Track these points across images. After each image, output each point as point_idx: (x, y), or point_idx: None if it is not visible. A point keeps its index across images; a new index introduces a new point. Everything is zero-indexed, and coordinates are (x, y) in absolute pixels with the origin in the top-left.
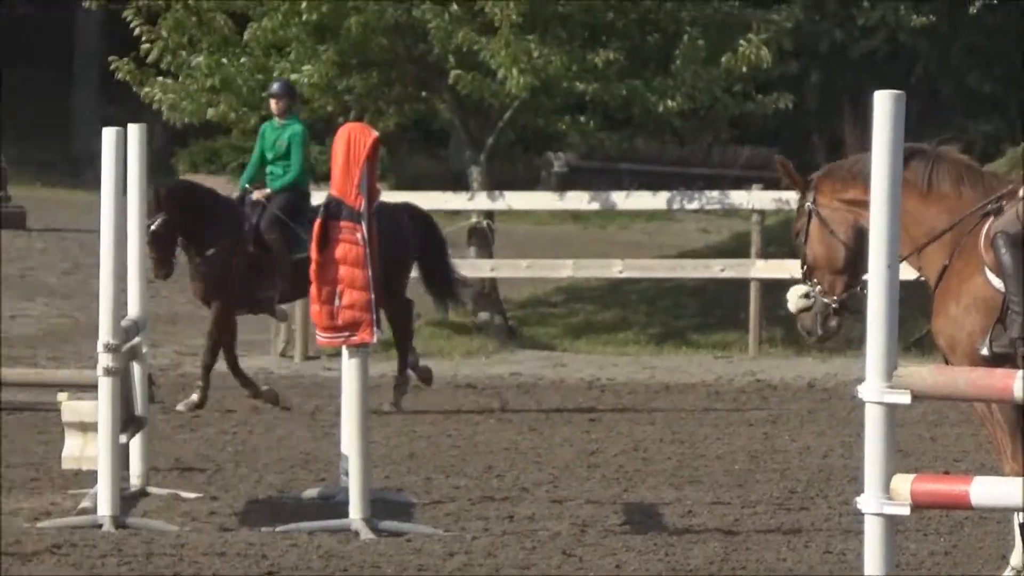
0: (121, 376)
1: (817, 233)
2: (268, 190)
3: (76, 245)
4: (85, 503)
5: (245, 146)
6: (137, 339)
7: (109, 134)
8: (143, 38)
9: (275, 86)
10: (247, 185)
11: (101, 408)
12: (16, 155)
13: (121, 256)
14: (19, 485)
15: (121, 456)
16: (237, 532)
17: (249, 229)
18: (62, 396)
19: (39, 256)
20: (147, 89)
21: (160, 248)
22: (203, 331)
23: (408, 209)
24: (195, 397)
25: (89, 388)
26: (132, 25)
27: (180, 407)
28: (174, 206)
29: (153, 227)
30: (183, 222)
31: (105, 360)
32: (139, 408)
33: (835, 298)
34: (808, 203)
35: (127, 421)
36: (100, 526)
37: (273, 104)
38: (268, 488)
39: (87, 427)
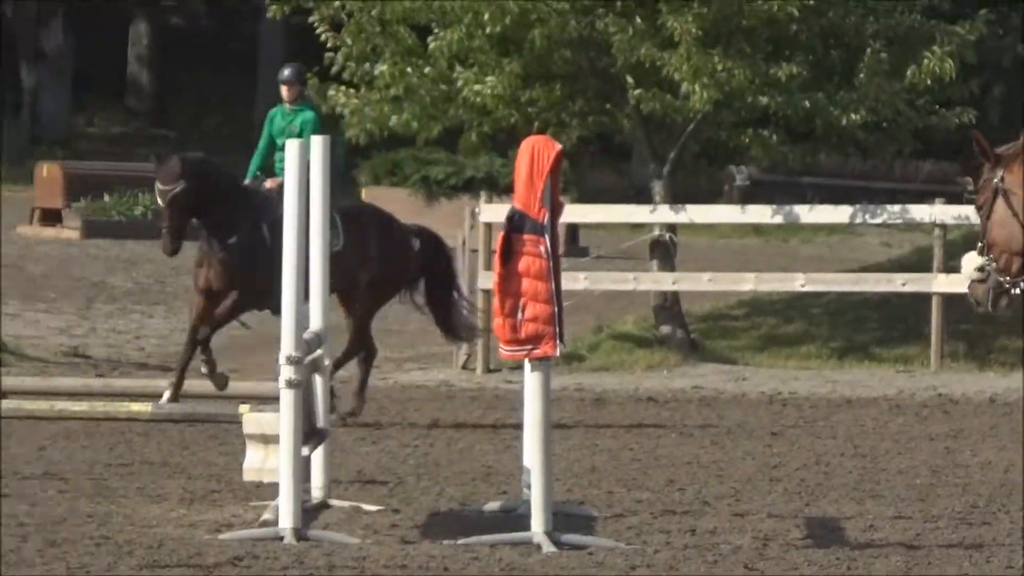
0: (303, 388)
1: (1001, 211)
2: (280, 179)
3: None
4: (267, 515)
5: (428, 158)
6: (319, 351)
7: (292, 146)
8: (327, 45)
9: (286, 72)
10: (258, 172)
11: (283, 420)
12: None
13: (303, 268)
14: (200, 497)
15: (303, 468)
16: (419, 545)
17: (267, 219)
18: (244, 408)
19: None
20: (331, 93)
21: (176, 217)
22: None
23: (420, 232)
24: (204, 370)
25: (271, 400)
26: (318, 31)
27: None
28: (195, 176)
29: (174, 192)
30: (202, 197)
31: (287, 372)
32: (321, 420)
33: (1009, 278)
34: (996, 180)
35: (309, 433)
36: (281, 538)
37: (285, 90)
38: (450, 501)
39: (269, 439)
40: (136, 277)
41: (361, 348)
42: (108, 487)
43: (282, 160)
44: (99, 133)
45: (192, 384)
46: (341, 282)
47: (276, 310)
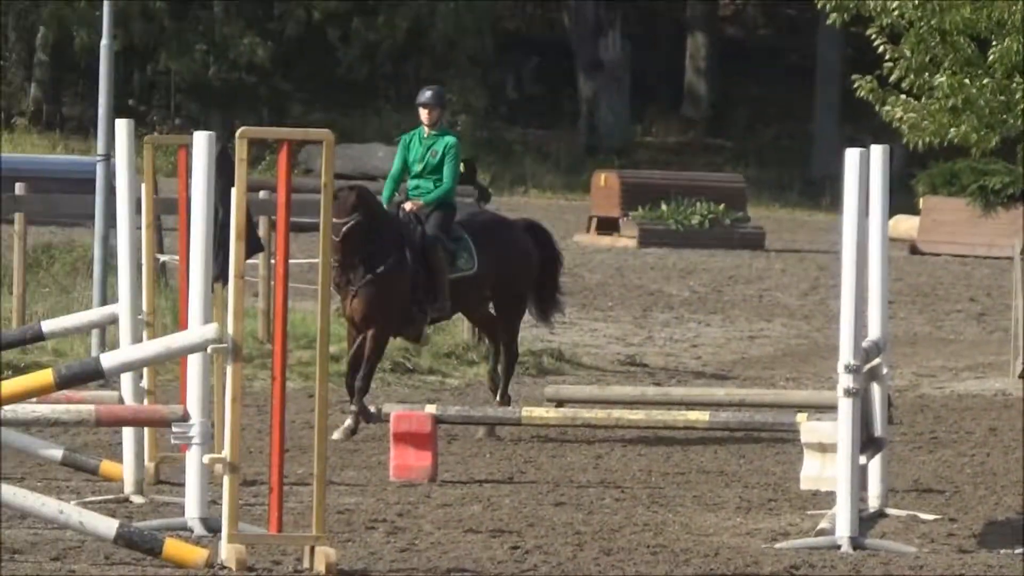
0: (861, 397)
1: None
2: (420, 201)
3: (814, 266)
4: (823, 524)
5: (986, 168)
6: (878, 360)
7: (852, 155)
8: (885, 57)
9: (427, 94)
10: (395, 196)
11: (841, 429)
12: (755, 176)
13: (863, 277)
14: (757, 505)
15: (860, 477)
16: (975, 554)
17: (412, 246)
18: (801, 416)
19: (778, 277)
20: (887, 108)
21: (350, 252)
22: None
23: (529, 226)
24: (349, 423)
25: (828, 409)
26: (875, 44)
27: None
28: (366, 209)
29: (349, 225)
30: (371, 229)
31: (846, 381)
32: (878, 429)
33: None
34: None
35: (866, 442)
36: (839, 547)
37: (425, 114)
38: (1007, 510)
39: (826, 448)
40: (693, 286)
41: (516, 357)
42: (664, 495)
43: (416, 187)
44: (656, 142)
45: (749, 393)
46: (482, 300)
47: (415, 335)
